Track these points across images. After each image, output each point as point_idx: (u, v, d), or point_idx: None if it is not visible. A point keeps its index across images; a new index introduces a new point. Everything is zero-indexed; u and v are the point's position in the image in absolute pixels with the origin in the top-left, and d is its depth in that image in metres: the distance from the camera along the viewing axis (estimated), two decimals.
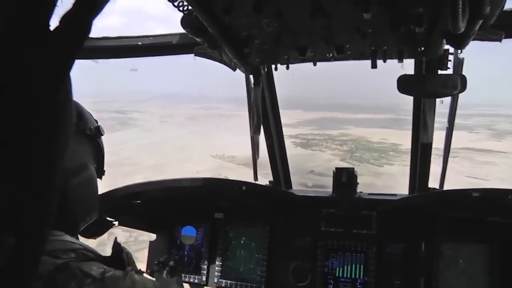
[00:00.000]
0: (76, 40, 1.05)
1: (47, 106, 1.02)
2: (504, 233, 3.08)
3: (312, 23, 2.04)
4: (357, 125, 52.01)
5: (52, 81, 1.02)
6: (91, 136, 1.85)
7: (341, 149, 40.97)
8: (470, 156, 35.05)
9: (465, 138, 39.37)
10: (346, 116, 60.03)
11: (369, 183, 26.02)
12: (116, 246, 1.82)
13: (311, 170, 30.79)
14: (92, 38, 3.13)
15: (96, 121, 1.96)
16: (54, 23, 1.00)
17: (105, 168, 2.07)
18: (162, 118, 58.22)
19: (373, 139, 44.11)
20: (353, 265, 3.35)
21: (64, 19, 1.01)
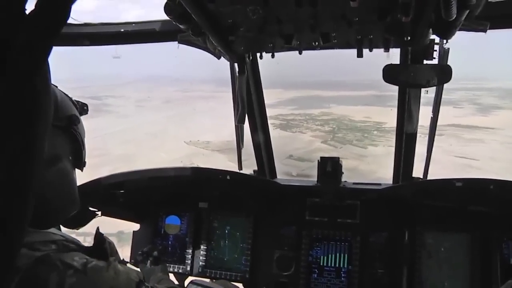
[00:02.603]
0: (54, 25, 0.99)
1: (24, 95, 0.98)
2: (485, 223, 3.13)
3: (298, 10, 2.01)
4: (339, 103, 50.20)
5: (28, 68, 0.97)
6: (63, 127, 1.70)
7: (323, 130, 39.52)
8: (457, 133, 33.94)
9: (450, 114, 37.54)
10: (328, 93, 58.08)
11: (353, 167, 25.23)
12: (98, 236, 1.78)
13: (290, 155, 29.55)
14: (73, 25, 3.05)
15: (77, 105, 1.85)
16: (30, 7, 0.95)
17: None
18: (138, 103, 55.52)
19: (356, 118, 42.46)
20: (337, 254, 3.38)
21: (41, 2, 0.97)
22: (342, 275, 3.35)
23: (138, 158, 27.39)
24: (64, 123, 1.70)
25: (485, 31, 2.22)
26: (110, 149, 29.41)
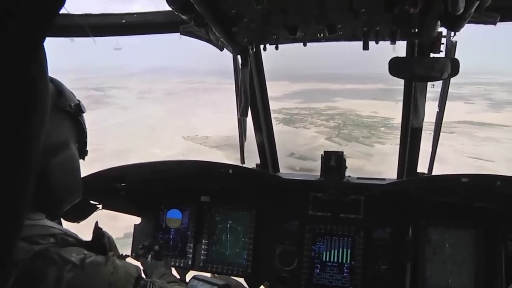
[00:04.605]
0: (50, 11, 0.96)
1: (19, 83, 0.94)
2: (490, 219, 3.09)
3: (303, 1, 1.97)
4: (346, 96, 49.12)
5: (24, 55, 0.94)
6: (72, 113, 1.81)
7: (328, 125, 38.65)
8: (469, 131, 32.57)
9: (461, 110, 36.11)
10: (334, 87, 57.26)
11: (358, 167, 24.33)
12: (97, 231, 1.77)
13: (291, 153, 28.88)
14: (74, 15, 3.01)
15: (78, 101, 1.91)
16: None
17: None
18: (140, 95, 54.57)
19: (363, 113, 41.39)
20: (340, 250, 3.35)
21: None
22: (345, 270, 3.31)
23: (132, 154, 26.51)
24: (73, 110, 1.82)
25: (494, 23, 2.17)
26: (105, 144, 28.74)
